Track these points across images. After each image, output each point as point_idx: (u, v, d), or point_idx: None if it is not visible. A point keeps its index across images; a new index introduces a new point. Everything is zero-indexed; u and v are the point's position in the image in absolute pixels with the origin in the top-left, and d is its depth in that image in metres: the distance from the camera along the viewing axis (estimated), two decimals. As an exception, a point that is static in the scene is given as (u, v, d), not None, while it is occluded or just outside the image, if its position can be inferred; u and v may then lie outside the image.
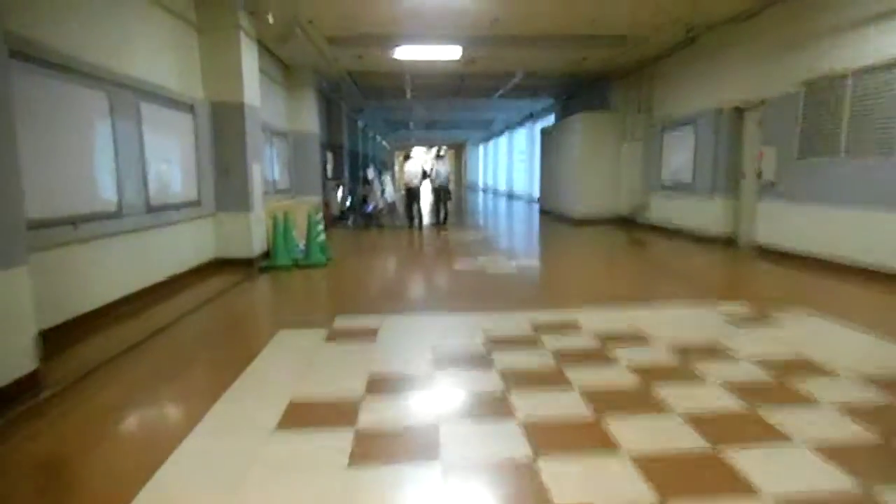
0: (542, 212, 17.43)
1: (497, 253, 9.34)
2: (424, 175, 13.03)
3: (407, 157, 13.30)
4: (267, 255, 8.28)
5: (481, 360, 3.91)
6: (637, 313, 5.11)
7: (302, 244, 8.39)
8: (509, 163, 28.41)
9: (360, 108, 19.12)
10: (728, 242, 9.48)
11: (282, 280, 7.36)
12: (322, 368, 3.83)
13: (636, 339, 4.34)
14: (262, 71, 10.30)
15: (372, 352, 4.10)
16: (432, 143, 38.68)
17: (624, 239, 11.31)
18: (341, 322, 4.95)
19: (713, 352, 4.05)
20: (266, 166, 10.44)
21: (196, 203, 7.28)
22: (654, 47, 10.45)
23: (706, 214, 10.02)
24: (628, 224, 13.28)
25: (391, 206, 13.73)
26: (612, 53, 11.13)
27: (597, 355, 4.00)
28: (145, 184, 5.90)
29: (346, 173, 18.16)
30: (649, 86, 12.16)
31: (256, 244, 8.09)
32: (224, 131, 7.76)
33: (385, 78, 14.18)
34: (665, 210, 11.71)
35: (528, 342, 4.30)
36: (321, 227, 8.49)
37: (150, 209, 5.99)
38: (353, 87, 14.79)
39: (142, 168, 5.84)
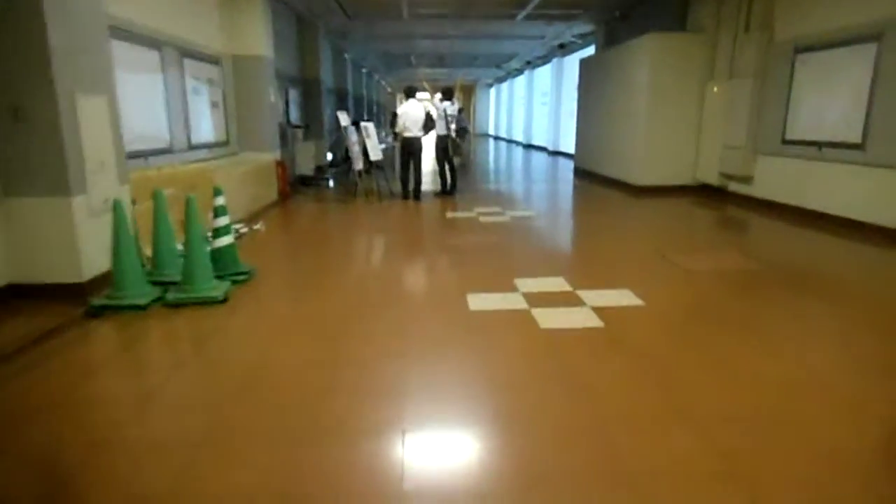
0: (579, 171, 13.36)
1: (545, 262, 5.44)
2: (428, 123, 8.90)
3: (409, 95, 9.14)
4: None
5: None
6: None
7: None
8: (528, 108, 24.04)
9: (344, 32, 14.79)
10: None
11: (116, 344, 3.54)
12: None
13: None
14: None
15: None
16: (439, 83, 33.98)
17: (720, 219, 7.37)
18: None
19: None
20: (162, 107, 6.43)
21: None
22: None
23: (891, 196, 6.03)
24: (714, 195, 9.27)
25: (374, 167, 9.70)
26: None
27: None
28: None
29: (326, 119, 14.07)
30: (769, -13, 7.92)
31: (92, 257, 4.19)
32: (-6, 27, 3.75)
33: (369, -20, 9.93)
34: (789, 180, 7.67)
35: None
36: (225, 219, 4.57)
37: None
38: (325, -6, 10.51)
39: None
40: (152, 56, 6.22)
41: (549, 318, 3.73)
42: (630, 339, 3.40)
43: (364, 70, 24.38)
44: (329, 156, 14.53)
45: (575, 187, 11.45)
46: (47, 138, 3.90)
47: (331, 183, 12.02)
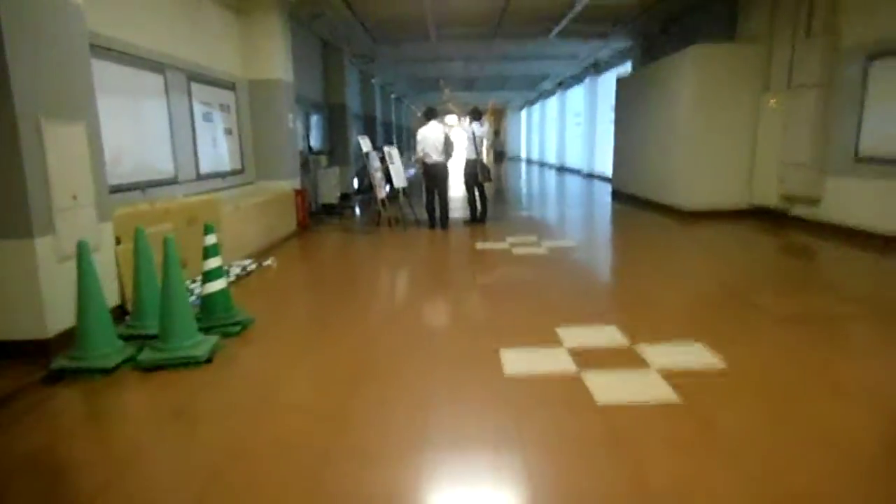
0: (617, 195, 12.51)
1: (592, 306, 4.65)
2: (448, 146, 8.24)
3: (428, 117, 8.51)
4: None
5: None
6: None
7: (195, 292, 3.97)
8: (561, 130, 23.31)
9: (370, 55, 14.39)
10: None
11: (70, 419, 2.90)
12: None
13: None
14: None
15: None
16: (469, 105, 33.56)
17: (788, 248, 6.45)
18: None
19: None
20: (165, 134, 5.91)
21: None
22: None
23: None
24: (773, 220, 8.33)
25: (400, 194, 9.06)
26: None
27: None
28: None
29: (352, 144, 13.61)
30: (834, -12, 7.08)
31: (61, 308, 3.58)
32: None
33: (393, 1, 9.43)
34: (866, 201, 6.72)
35: None
36: (216, 261, 3.93)
37: None
38: (348, 15, 10.06)
39: None
40: (154, 80, 5.73)
41: (606, 387, 2.93)
42: (721, 424, 2.57)
43: (393, 95, 24.12)
44: (356, 182, 14.04)
45: (615, 213, 10.62)
46: (4, 170, 3.34)
47: (357, 211, 11.47)
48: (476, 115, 9.26)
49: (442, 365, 3.38)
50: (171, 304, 3.36)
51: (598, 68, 17.40)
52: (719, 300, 4.58)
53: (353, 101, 15.29)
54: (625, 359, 3.32)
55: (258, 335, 3.96)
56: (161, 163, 5.83)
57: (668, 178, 9.77)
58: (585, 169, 19.27)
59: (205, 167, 6.80)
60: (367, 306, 4.82)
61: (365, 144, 8.39)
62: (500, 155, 18.02)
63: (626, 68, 14.28)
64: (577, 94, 20.78)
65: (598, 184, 16.60)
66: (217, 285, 3.88)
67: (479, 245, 7.20)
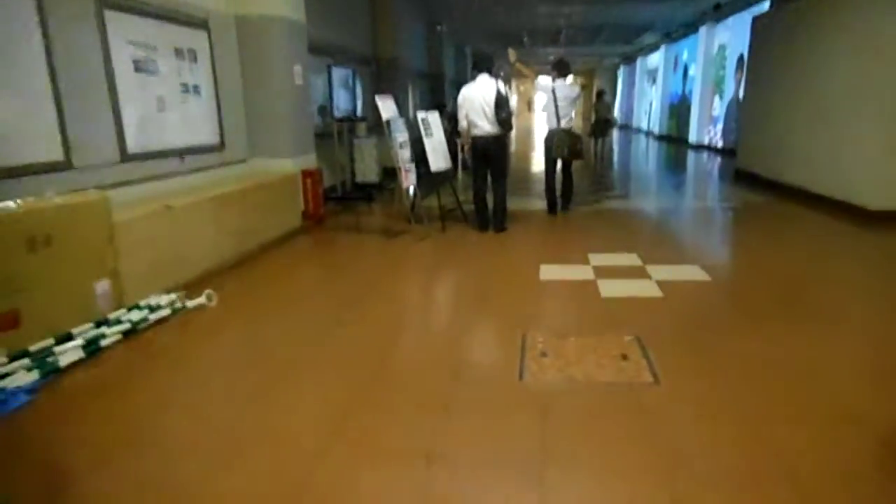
0: (744, 176, 9.29)
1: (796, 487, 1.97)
2: (500, 111, 5.47)
3: (478, 68, 5.82)
4: None
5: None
6: None
7: None
8: (665, 91, 19.68)
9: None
10: None
11: None
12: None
13: None
14: None
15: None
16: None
17: None
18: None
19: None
20: (40, 88, 3.66)
21: None
22: None
23: None
24: None
25: (442, 178, 6.50)
26: None
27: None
28: None
29: (411, 108, 11.19)
30: None
31: None
32: None
33: None
34: None
35: None
36: None
37: None
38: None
39: None
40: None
41: None
42: None
43: (467, 51, 21.35)
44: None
45: (751, 207, 7.48)
46: None
47: (412, 201, 9.09)
48: (561, 69, 6.52)
49: None
50: None
51: (719, 12, 13.79)
52: None
53: (412, 55, 12.78)
54: None
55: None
56: (29, 138, 3.62)
57: (841, 159, 6.62)
58: (694, 139, 15.81)
59: (140, 143, 4.58)
60: (300, 449, 2.39)
61: (386, 110, 5.83)
62: (605, 124, 14.65)
63: (761, 9, 10.76)
64: (687, 47, 17.11)
65: (710, 158, 13.27)
66: None
67: (545, 270, 4.55)
